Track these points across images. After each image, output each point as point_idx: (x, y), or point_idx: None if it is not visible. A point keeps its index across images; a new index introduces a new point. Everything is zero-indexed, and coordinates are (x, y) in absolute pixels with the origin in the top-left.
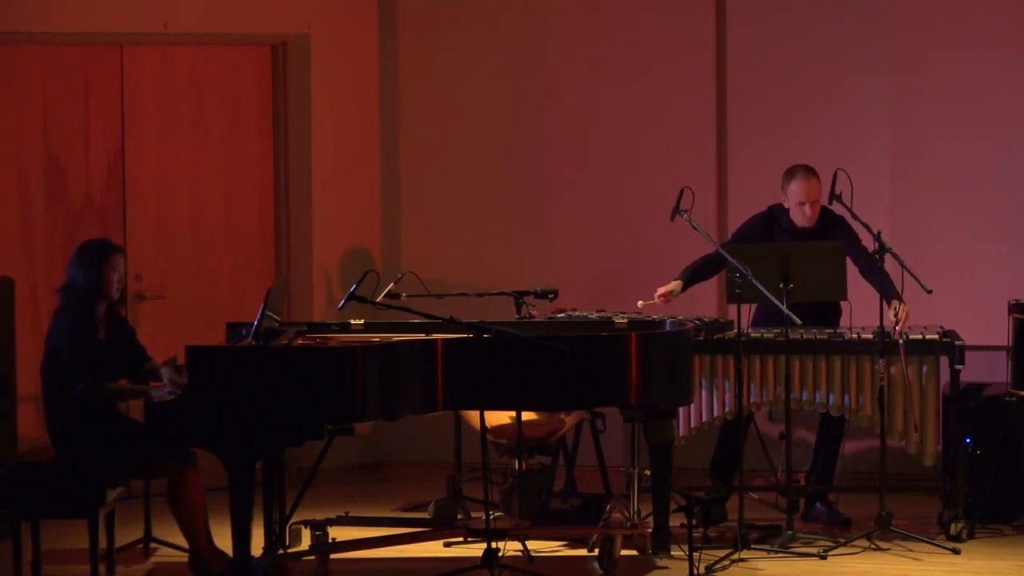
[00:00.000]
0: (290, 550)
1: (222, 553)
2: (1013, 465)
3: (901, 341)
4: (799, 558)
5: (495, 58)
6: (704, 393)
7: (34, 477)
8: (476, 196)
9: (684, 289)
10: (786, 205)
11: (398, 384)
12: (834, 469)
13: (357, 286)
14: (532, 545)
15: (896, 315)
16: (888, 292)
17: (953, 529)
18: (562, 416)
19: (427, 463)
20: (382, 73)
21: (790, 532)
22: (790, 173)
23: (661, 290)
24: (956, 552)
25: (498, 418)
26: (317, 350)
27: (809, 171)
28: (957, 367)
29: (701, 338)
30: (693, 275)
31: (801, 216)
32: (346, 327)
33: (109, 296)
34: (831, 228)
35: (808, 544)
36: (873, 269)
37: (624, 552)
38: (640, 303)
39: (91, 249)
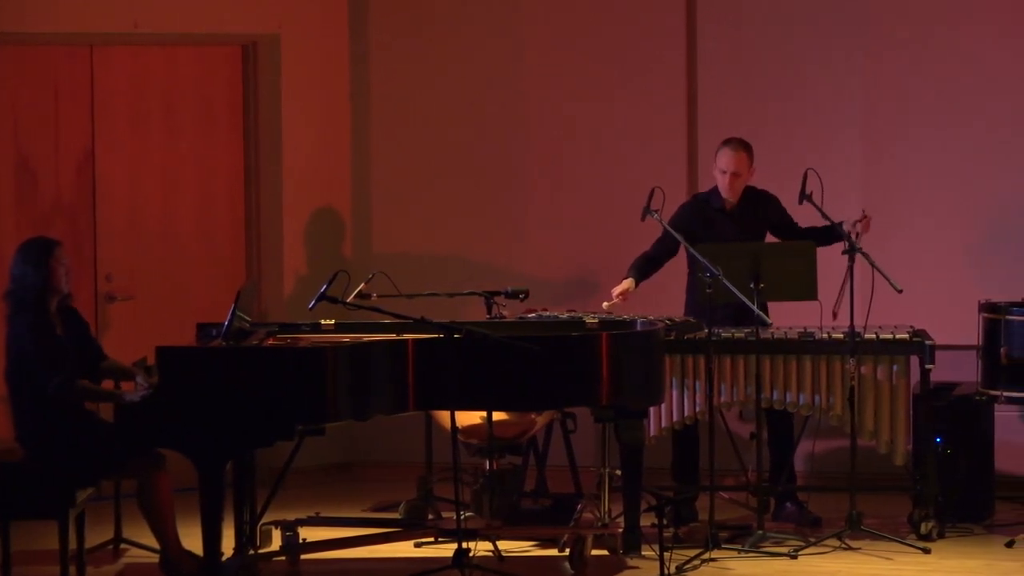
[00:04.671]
0: (261, 551)
1: (192, 554)
2: (983, 464)
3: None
4: (770, 558)
5: (467, 57)
6: (675, 393)
7: (3, 478)
8: (447, 196)
9: (636, 285)
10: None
11: (369, 384)
12: (792, 466)
13: (328, 286)
14: (503, 545)
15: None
16: (835, 227)
17: (923, 528)
18: (533, 416)
19: (398, 463)
20: (353, 72)
21: (761, 532)
22: (721, 144)
23: (617, 290)
24: (926, 551)
25: (469, 418)
26: (287, 350)
27: (739, 144)
28: (927, 366)
29: (672, 338)
30: (641, 272)
31: (722, 185)
32: (317, 327)
33: (59, 290)
34: (763, 206)
35: (779, 544)
36: (812, 230)
37: (595, 552)
38: (605, 304)
39: (33, 247)
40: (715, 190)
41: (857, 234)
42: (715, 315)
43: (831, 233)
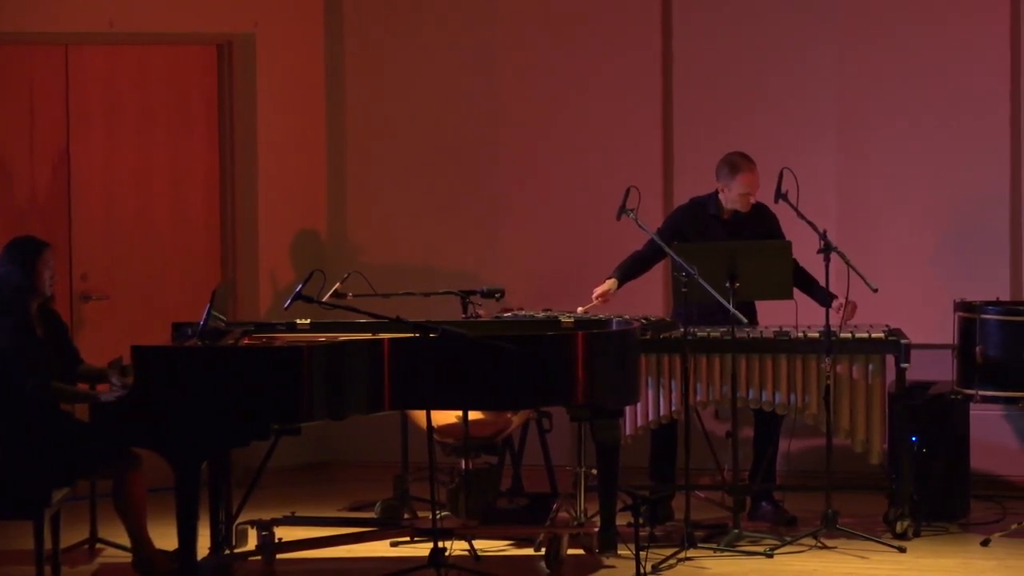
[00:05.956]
0: (236, 550)
1: (166, 553)
2: (958, 463)
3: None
4: (746, 557)
5: (442, 57)
6: (650, 392)
7: None
8: (423, 195)
9: (619, 287)
10: (726, 193)
11: (344, 384)
12: (775, 467)
13: (303, 286)
14: (479, 544)
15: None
16: (823, 291)
17: (899, 527)
18: (509, 415)
19: (373, 463)
20: (328, 72)
21: (736, 531)
22: (734, 166)
23: (598, 290)
24: (902, 550)
25: (445, 417)
26: (263, 350)
27: (752, 161)
28: (903, 365)
29: (647, 337)
30: (626, 273)
31: (744, 204)
32: (292, 327)
33: (43, 293)
34: (761, 219)
35: (754, 543)
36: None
37: (571, 551)
38: (580, 309)
39: (21, 246)
40: (714, 197)
41: (841, 320)
42: (702, 318)
43: (812, 283)
